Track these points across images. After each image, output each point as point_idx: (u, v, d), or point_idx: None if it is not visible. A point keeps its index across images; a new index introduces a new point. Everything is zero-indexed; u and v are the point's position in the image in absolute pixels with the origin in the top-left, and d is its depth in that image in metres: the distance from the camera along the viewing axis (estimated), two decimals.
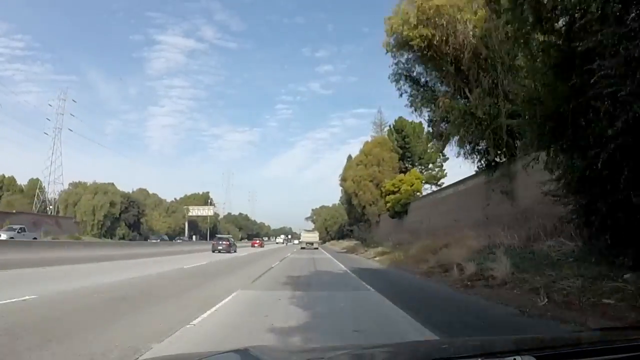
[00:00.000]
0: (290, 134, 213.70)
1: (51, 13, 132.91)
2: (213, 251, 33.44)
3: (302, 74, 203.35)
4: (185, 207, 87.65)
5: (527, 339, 2.37)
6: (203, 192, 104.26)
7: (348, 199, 63.26)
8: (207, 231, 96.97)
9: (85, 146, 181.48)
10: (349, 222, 72.51)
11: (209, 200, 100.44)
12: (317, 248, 57.05)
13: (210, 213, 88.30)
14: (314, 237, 64.39)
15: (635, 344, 1.74)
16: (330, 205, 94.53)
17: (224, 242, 35.19)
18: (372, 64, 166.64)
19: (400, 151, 57.94)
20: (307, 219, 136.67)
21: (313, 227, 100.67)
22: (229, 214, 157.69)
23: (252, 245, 59.62)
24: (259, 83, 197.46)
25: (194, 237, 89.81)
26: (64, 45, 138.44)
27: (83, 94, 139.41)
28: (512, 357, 1.49)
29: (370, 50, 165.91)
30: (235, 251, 35.69)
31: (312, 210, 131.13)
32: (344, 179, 65.45)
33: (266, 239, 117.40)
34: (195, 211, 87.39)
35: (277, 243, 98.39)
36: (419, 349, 2.14)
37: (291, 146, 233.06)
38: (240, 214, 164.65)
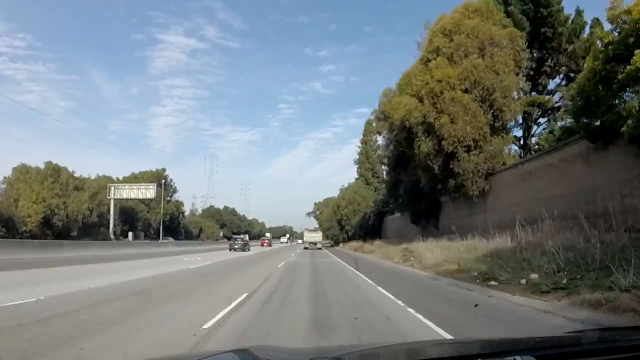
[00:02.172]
0: (293, 133, 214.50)
1: (53, 12, 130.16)
2: (230, 250, 37.42)
3: (305, 74, 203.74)
4: (114, 185, 54.34)
5: (527, 339, 2.28)
6: (157, 169, 70.90)
7: (396, 153, 30.25)
8: (160, 226, 63.46)
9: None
10: (387, 205, 40.29)
11: (164, 181, 66.97)
12: (320, 248, 52.73)
13: (150, 195, 54.90)
14: (317, 236, 58.95)
15: (635, 344, 1.74)
16: (345, 187, 60.89)
17: (239, 242, 39.19)
18: (374, 63, 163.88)
19: (527, 26, 24.15)
20: (308, 214, 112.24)
21: (316, 224, 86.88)
22: (211, 206, 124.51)
23: (262, 245, 62.61)
24: (261, 82, 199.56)
25: (130, 235, 56.12)
26: (65, 44, 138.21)
27: (85, 93, 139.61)
28: (512, 357, 1.47)
29: (372, 49, 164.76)
30: (249, 250, 38.52)
31: (315, 204, 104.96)
32: (386, 109, 31.70)
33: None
34: (126, 192, 54.07)
35: (281, 243, 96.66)
36: (419, 349, 2.06)
37: (293, 146, 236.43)
38: (225, 207, 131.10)
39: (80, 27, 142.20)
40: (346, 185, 59.77)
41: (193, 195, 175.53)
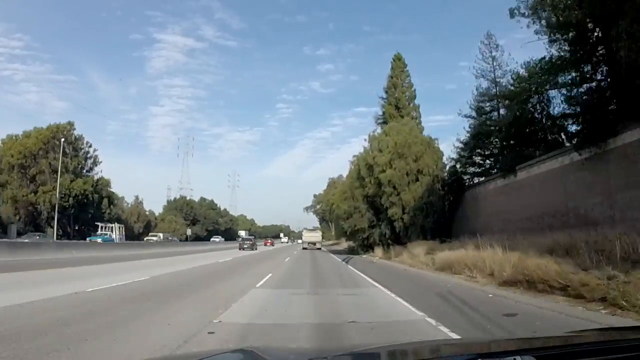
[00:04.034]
0: (291, 133, 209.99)
1: (50, 12, 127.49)
2: (240, 249, 42.02)
3: (303, 73, 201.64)
4: None
5: (527, 339, 2.29)
6: (56, 124, 43.15)
7: None
8: (65, 215, 36.39)
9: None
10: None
11: (63, 140, 39.20)
12: (319, 248, 51.97)
13: None
14: (317, 236, 57.35)
15: (635, 344, 1.71)
16: (382, 132, 30.65)
17: (247, 242, 45.15)
18: (373, 63, 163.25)
19: None
20: (306, 209, 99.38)
21: (316, 220, 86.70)
22: (182, 197, 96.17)
23: (265, 244, 67.69)
24: (259, 82, 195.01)
25: None
26: (63, 44, 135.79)
27: (82, 93, 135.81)
28: (512, 357, 1.45)
29: (370, 48, 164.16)
30: (256, 249, 44.18)
31: (315, 196, 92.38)
32: None
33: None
34: None
35: (282, 242, 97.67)
36: (419, 349, 2.02)
37: (292, 145, 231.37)
38: (202, 199, 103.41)
39: (78, 27, 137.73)
40: (379, 131, 31.16)
41: (168, 187, 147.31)
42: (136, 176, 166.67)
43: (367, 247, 32.62)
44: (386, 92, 42.65)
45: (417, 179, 25.70)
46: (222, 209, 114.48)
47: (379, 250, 28.41)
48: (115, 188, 54.01)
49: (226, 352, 1.86)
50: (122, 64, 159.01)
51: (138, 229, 57.62)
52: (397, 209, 26.22)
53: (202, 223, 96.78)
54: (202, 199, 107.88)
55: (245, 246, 42.94)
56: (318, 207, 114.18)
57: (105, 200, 48.44)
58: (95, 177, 48.54)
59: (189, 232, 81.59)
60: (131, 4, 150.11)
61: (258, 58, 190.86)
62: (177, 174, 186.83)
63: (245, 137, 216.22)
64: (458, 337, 5.79)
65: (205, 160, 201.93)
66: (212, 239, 74.70)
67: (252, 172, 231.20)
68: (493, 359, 1.55)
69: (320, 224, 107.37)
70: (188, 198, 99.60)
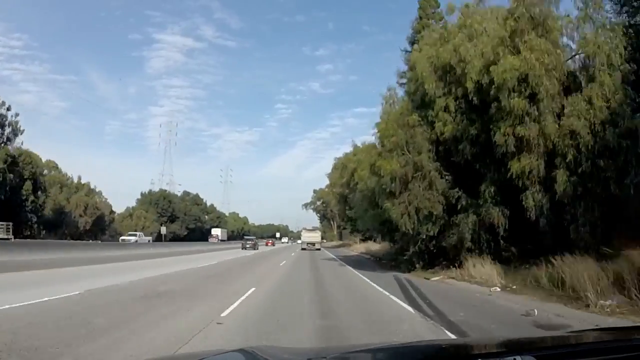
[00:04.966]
0: (290, 133, 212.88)
1: (50, 12, 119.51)
2: (242, 248, 45.90)
3: (302, 73, 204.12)
4: None
5: (527, 339, 2.27)
6: None
7: None
8: None
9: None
10: None
11: None
12: (319, 249, 51.46)
13: None
14: (316, 236, 56.95)
15: (635, 344, 1.69)
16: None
17: (250, 242, 48.75)
18: (372, 63, 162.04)
19: None
20: (305, 205, 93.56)
21: (316, 218, 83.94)
22: (160, 190, 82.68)
23: (266, 245, 70.51)
24: (258, 82, 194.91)
25: None
26: (62, 44, 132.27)
27: (81, 93, 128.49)
28: (512, 357, 1.45)
29: (370, 48, 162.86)
30: (257, 248, 47.78)
31: (315, 192, 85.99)
32: None
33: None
34: None
35: (282, 242, 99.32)
36: (419, 349, 2.00)
37: (291, 146, 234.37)
38: (185, 193, 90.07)
39: (77, 27, 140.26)
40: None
41: (152, 181, 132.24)
42: (135, 175, 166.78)
43: (434, 256, 15.86)
44: (412, 42, 30.17)
45: (581, 86, 11.09)
46: (208, 204, 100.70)
47: (482, 267, 12.06)
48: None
49: (226, 352, 1.85)
50: (121, 64, 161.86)
51: (84, 225, 43.88)
52: (531, 158, 10.74)
53: (181, 220, 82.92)
54: (186, 193, 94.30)
55: (247, 246, 46.73)
56: (318, 203, 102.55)
57: (29, 184, 34.75)
58: (17, 152, 34.94)
59: (163, 230, 67.42)
60: (130, 3, 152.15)
61: (257, 58, 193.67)
62: (172, 170, 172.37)
63: (245, 138, 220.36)
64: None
65: (204, 161, 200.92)
66: (121, 239, 44.77)
67: (251, 172, 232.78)
68: (493, 359, 1.54)
69: (321, 222, 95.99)
70: (167, 192, 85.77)
